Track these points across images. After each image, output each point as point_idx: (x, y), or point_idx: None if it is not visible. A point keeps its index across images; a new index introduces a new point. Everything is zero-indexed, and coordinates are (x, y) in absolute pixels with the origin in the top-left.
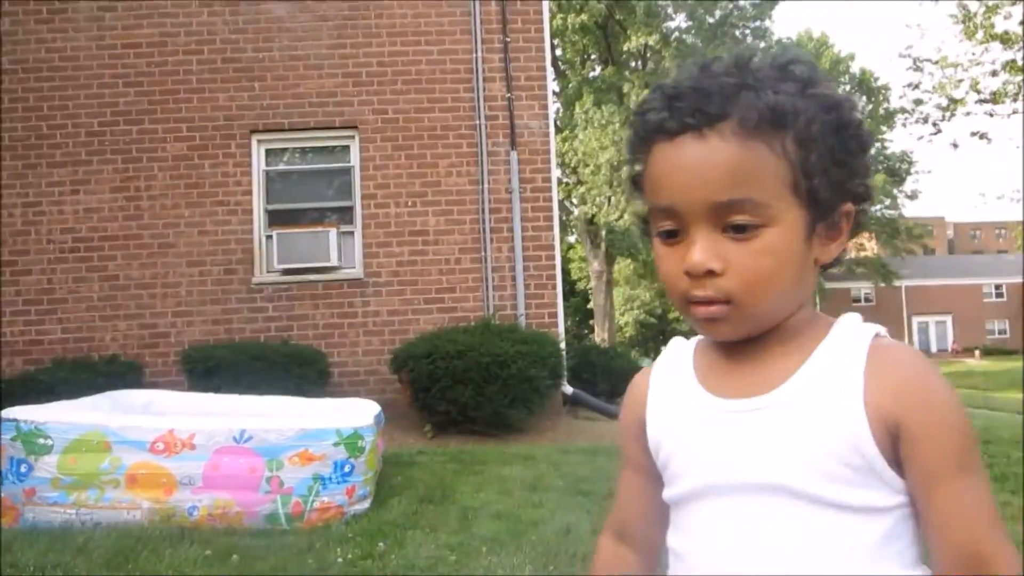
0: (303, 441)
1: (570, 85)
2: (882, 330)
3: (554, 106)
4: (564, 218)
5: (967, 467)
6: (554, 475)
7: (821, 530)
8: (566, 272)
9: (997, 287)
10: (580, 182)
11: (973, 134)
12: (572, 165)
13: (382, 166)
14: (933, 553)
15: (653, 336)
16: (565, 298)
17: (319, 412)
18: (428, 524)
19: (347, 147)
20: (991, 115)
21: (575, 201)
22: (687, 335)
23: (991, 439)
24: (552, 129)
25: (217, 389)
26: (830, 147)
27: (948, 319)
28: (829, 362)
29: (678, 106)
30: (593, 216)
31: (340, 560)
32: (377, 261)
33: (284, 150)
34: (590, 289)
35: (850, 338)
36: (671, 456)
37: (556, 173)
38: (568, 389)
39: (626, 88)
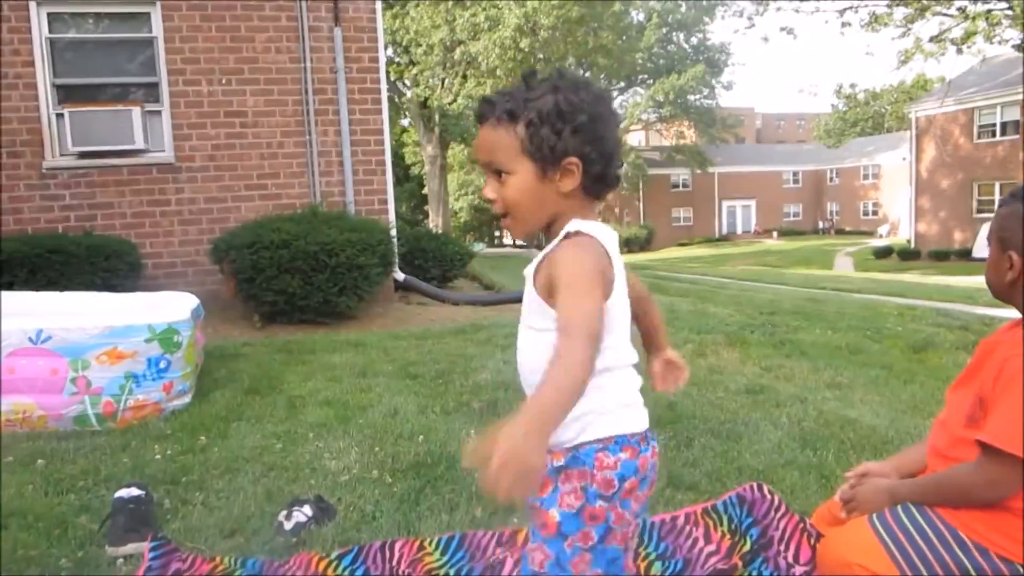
0: (111, 339)
1: None
2: (574, 228)
3: None
4: (397, 100)
5: (569, 287)
6: (384, 360)
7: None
8: (400, 157)
9: (794, 174)
10: (412, 63)
11: (782, 29)
12: (404, 44)
13: (189, 38)
14: None
15: (487, 221)
16: (399, 183)
17: (129, 308)
18: (254, 415)
19: (147, 14)
20: (797, 12)
21: (407, 83)
22: None
23: (776, 311)
24: (379, 4)
25: (9, 287)
26: (545, 130)
27: (752, 203)
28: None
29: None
30: (426, 99)
31: (158, 456)
32: (190, 144)
33: (72, 15)
34: (424, 174)
35: (559, 238)
36: None
37: (385, 52)
38: (400, 275)
39: None
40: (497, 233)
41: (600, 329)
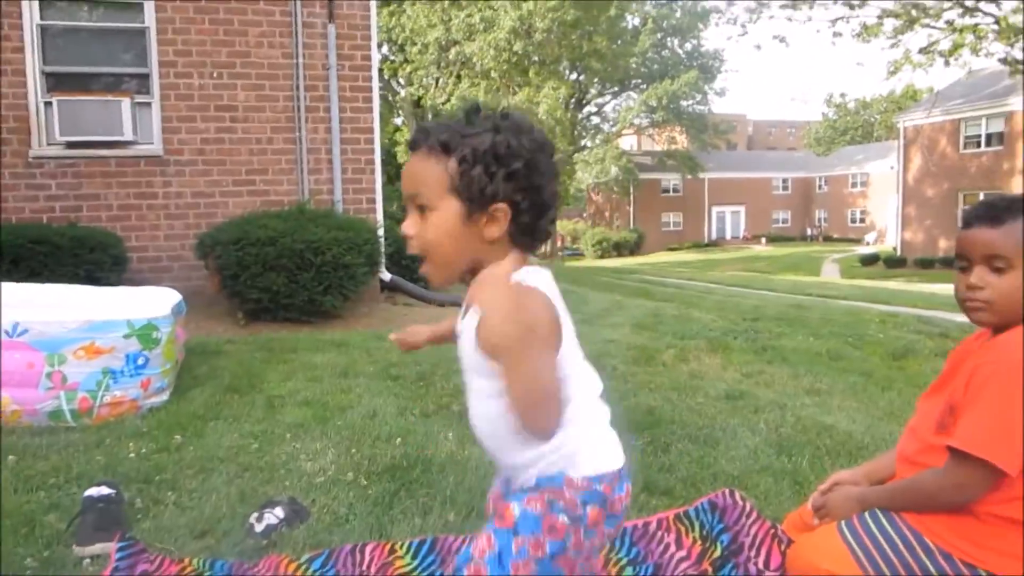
0: (89, 333)
1: None
2: (517, 277)
3: None
4: (390, 99)
5: (506, 355)
6: (366, 361)
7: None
8: (392, 155)
9: (784, 181)
10: (407, 61)
11: (774, 37)
12: (399, 42)
13: (182, 30)
14: None
15: None
16: (390, 182)
17: (109, 302)
18: (232, 414)
19: (140, 5)
20: (790, 20)
21: (401, 81)
22: None
23: (760, 316)
24: (374, 2)
25: None
26: (477, 169)
27: (742, 209)
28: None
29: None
30: (420, 98)
31: (133, 455)
32: (179, 137)
33: (64, 2)
34: None
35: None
36: None
37: (379, 50)
38: (386, 276)
39: None
40: None
41: (556, 388)
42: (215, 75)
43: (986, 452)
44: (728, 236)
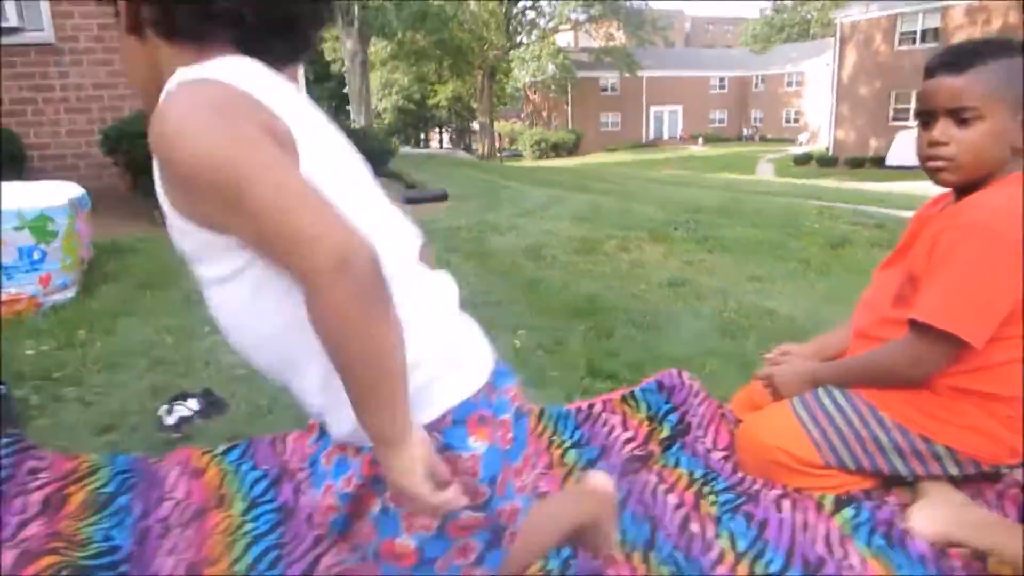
0: None
1: None
2: (174, 83)
3: None
4: None
5: (226, 187)
6: None
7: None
8: (319, 52)
9: (721, 80)
10: None
11: None
12: None
13: None
14: None
15: (413, 123)
16: (318, 81)
17: None
18: (145, 309)
19: None
20: None
21: None
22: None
23: (700, 209)
24: None
25: None
26: None
27: (679, 109)
28: None
29: None
30: None
31: (31, 352)
32: (72, 23)
33: None
34: (345, 71)
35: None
36: None
37: None
38: None
39: None
40: (423, 135)
41: (306, 186)
42: None
43: (950, 324)
44: (666, 136)
